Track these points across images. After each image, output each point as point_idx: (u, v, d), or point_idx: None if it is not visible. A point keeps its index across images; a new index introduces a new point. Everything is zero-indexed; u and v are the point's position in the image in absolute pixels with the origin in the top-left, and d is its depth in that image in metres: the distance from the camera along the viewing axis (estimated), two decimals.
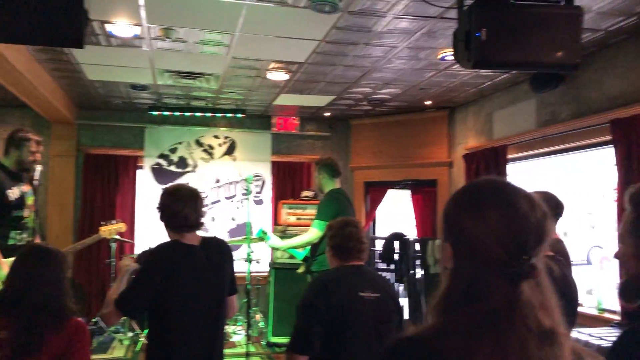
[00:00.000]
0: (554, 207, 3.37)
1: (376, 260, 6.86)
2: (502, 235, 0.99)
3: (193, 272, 2.59)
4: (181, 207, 2.61)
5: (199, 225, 2.68)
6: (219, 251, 2.75)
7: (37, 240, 4.43)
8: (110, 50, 4.97)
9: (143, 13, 4.07)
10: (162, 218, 2.65)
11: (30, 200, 4.14)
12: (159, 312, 2.54)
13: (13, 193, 4.02)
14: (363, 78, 5.81)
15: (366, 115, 7.90)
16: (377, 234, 8.15)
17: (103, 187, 7.55)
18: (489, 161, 6.12)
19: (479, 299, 0.98)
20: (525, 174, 6.19)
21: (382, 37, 4.50)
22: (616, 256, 1.67)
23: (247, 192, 4.99)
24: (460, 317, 0.98)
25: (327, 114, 7.91)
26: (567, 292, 2.48)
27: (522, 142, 5.77)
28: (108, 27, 4.35)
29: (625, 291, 1.68)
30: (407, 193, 8.09)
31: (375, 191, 8.19)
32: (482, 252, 1.00)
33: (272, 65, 5.40)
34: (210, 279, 2.63)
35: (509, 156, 5.95)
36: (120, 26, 4.34)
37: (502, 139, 6.08)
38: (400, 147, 7.78)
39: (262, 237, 5.12)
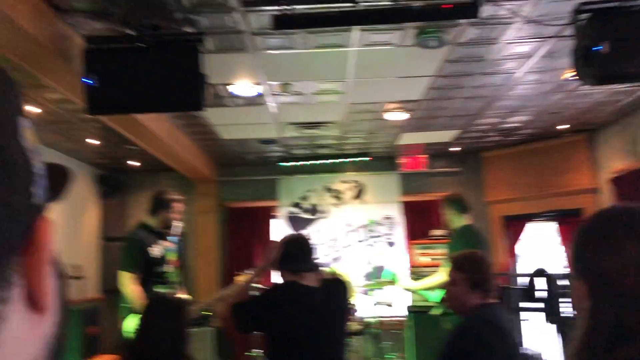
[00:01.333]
0: None
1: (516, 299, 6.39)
2: None
3: (307, 313, 2.62)
4: (299, 251, 2.70)
5: (314, 268, 2.73)
6: (338, 292, 2.77)
7: (182, 294, 4.76)
8: (238, 110, 5.33)
9: (261, 73, 4.32)
10: (282, 263, 2.74)
11: (172, 256, 4.47)
12: (276, 348, 2.60)
13: (155, 250, 4.37)
14: (486, 108, 5.60)
15: (498, 146, 7.56)
16: (519, 271, 7.63)
17: (243, 238, 7.97)
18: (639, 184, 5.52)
19: (627, 342, 0.88)
20: None
21: (498, 65, 4.33)
22: None
23: (368, 239, 4.93)
24: None
25: (455, 149, 7.70)
26: None
27: None
28: (232, 88, 4.67)
29: None
30: (551, 225, 7.51)
31: (515, 225, 7.72)
32: (624, 289, 0.90)
33: (389, 106, 5.41)
34: (325, 321, 2.64)
35: None
36: (243, 87, 4.65)
37: None
38: (538, 177, 7.31)
39: (393, 280, 5.02)
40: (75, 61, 3.34)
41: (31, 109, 4.91)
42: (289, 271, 2.72)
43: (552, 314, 5.71)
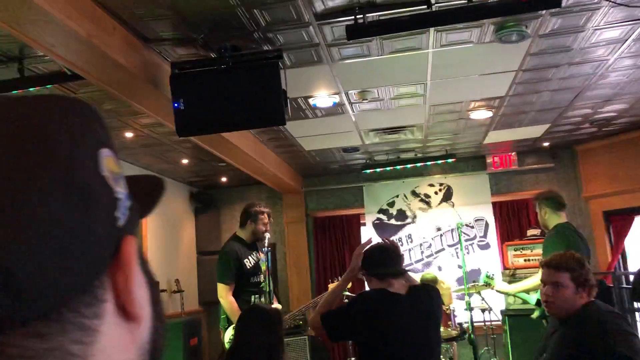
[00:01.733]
0: None
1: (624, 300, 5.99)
2: None
3: (396, 320, 2.59)
4: (385, 257, 2.70)
5: (402, 272, 2.71)
6: (428, 298, 2.72)
7: (275, 303, 4.88)
8: (318, 121, 5.40)
9: (338, 83, 4.36)
10: (369, 270, 2.74)
11: (264, 266, 4.60)
12: (367, 357, 2.60)
13: (249, 262, 4.52)
14: (577, 99, 5.31)
15: (593, 138, 7.14)
16: (628, 269, 7.14)
17: (332, 247, 8.03)
18: None
19: None
20: None
21: (586, 53, 4.11)
22: None
23: (459, 240, 4.80)
24: None
25: (546, 144, 7.35)
26: None
27: None
28: (311, 100, 4.74)
29: None
30: None
31: (619, 220, 7.25)
32: None
33: (473, 105, 5.27)
34: (416, 328, 2.60)
35: None
36: (322, 98, 4.71)
37: None
38: None
39: (488, 283, 4.87)
40: (164, 86, 3.53)
41: (127, 134, 5.24)
42: (376, 278, 2.71)
43: None
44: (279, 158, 6.89)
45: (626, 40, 3.91)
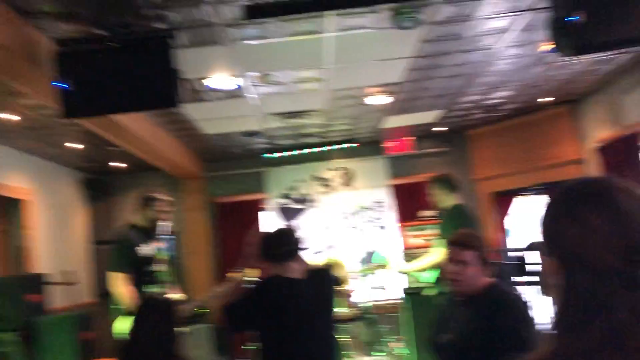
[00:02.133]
0: None
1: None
2: (610, 240, 0.90)
3: (296, 304, 2.59)
4: (280, 242, 2.68)
5: (295, 252, 2.71)
6: (322, 280, 2.74)
7: (176, 293, 4.73)
8: (218, 104, 5.27)
9: (238, 65, 4.27)
10: (265, 255, 2.71)
11: (162, 255, 4.44)
12: (268, 342, 2.59)
13: (145, 250, 4.34)
14: (468, 85, 5.58)
15: (483, 123, 7.56)
16: (509, 246, 7.67)
17: (235, 233, 7.92)
18: (623, 152, 5.54)
19: (600, 313, 0.88)
20: None
21: (476, 41, 4.31)
22: None
23: (360, 223, 4.91)
24: (583, 336, 0.88)
25: (441, 129, 7.68)
26: None
27: None
28: (209, 82, 4.61)
29: None
30: (540, 198, 7.54)
31: (504, 201, 7.75)
32: (592, 262, 0.90)
33: (371, 90, 5.38)
34: (314, 310, 2.62)
35: None
36: (221, 80, 4.59)
37: (635, 125, 5.48)
38: (525, 151, 7.31)
39: (383, 263, 5.03)
40: (48, 65, 3.27)
41: (8, 117, 4.83)
42: (272, 262, 2.69)
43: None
44: (177, 142, 6.67)
45: (511, 30, 4.14)
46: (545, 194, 7.34)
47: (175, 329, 2.35)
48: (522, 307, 2.39)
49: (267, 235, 2.75)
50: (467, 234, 2.60)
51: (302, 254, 2.74)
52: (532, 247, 6.08)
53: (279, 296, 2.60)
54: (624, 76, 5.71)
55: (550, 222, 0.99)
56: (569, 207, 0.96)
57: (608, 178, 0.98)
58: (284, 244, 2.68)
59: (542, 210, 1.02)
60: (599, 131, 6.32)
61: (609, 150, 5.86)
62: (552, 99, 6.52)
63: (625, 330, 0.85)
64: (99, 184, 7.64)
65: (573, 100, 6.74)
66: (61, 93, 3.08)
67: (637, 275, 0.87)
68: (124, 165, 7.41)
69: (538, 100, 6.53)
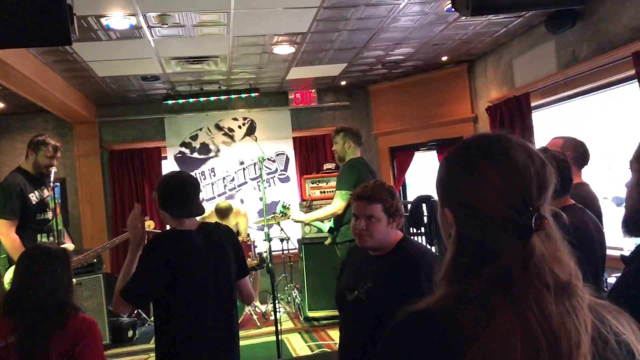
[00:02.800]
0: (581, 153, 3.21)
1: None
2: (503, 191, 0.93)
3: (192, 258, 2.54)
4: (179, 195, 2.58)
5: (198, 211, 2.64)
6: (218, 235, 2.69)
7: (67, 242, 4.52)
8: (113, 45, 4.96)
9: (134, 3, 4.01)
10: (162, 206, 2.62)
11: (52, 203, 4.21)
12: (163, 301, 2.51)
13: (35, 197, 4.10)
14: (372, 40, 5.63)
15: (384, 79, 7.72)
16: (407, 199, 8.03)
17: (131, 182, 7.64)
18: (513, 111, 5.90)
19: (490, 261, 0.92)
20: (551, 121, 5.94)
21: None
22: (625, 185, 1.64)
23: (260, 175, 4.90)
24: (473, 283, 0.92)
25: (343, 83, 7.76)
26: (585, 241, 2.32)
27: (545, 87, 5.52)
28: (104, 20, 4.31)
29: (628, 224, 1.59)
30: (434, 154, 7.91)
31: (402, 156, 8.04)
32: (485, 213, 0.94)
33: (276, 39, 5.28)
34: (210, 263, 2.58)
35: (533, 103, 5.71)
36: (116, 18, 4.30)
37: (524, 87, 5.83)
38: (423, 108, 7.58)
39: (284, 213, 5.07)
40: None
41: None
42: (170, 216, 2.62)
43: (432, 237, 6.12)
44: (68, 84, 6.23)
45: None
46: (440, 150, 7.70)
47: (69, 277, 2.24)
48: (434, 262, 2.23)
49: (166, 182, 2.64)
50: (372, 186, 2.39)
51: (200, 205, 2.67)
52: (422, 200, 6.41)
53: (175, 248, 2.52)
54: (515, 40, 6.03)
55: (446, 173, 1.02)
56: (466, 160, 0.99)
57: (504, 134, 1.01)
58: (182, 193, 2.58)
59: (440, 165, 1.05)
60: (491, 91, 6.67)
61: (497, 110, 6.21)
62: (449, 57, 6.75)
63: (513, 277, 0.89)
64: None
65: (469, 60, 7.03)
66: None
67: (527, 225, 0.91)
68: (9, 106, 6.83)
69: (438, 59, 6.74)
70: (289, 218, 5.33)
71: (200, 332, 2.50)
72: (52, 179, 4.12)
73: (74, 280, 3.92)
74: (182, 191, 2.59)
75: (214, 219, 6.16)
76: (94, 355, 2.15)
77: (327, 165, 7.04)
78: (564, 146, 3.17)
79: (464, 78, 7.21)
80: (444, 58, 6.76)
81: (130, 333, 6.15)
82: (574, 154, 3.14)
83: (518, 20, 5.39)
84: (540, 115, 5.87)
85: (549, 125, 5.89)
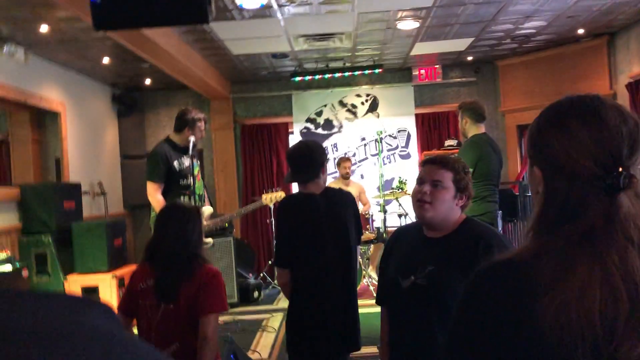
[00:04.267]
0: None
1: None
2: (593, 149, 0.95)
3: (313, 218, 2.74)
4: (301, 161, 2.79)
5: (318, 175, 2.82)
6: (339, 200, 2.86)
7: (207, 204, 4.97)
8: (246, 23, 5.29)
9: None
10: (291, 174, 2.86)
11: (196, 170, 4.65)
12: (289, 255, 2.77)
13: (179, 164, 4.56)
14: (499, 14, 5.46)
15: (514, 54, 7.41)
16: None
17: (260, 155, 8.11)
18: None
19: (576, 217, 0.95)
20: None
21: None
22: None
23: (378, 148, 4.98)
24: (557, 237, 0.95)
25: (470, 58, 7.57)
26: None
27: None
28: (237, 0, 4.62)
29: None
30: None
31: None
32: (574, 169, 0.96)
33: (400, 14, 5.31)
34: (331, 226, 2.76)
35: None
36: None
37: None
38: (555, 84, 7.18)
39: (400, 188, 5.15)
40: None
41: (42, 27, 4.94)
42: (298, 183, 2.85)
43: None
44: (205, 61, 6.73)
45: None
46: None
47: (200, 232, 2.52)
48: (506, 241, 2.06)
49: (291, 149, 2.88)
50: (446, 155, 2.35)
51: (324, 173, 2.86)
52: None
53: (297, 207, 2.75)
54: None
55: (537, 131, 1.05)
56: (557, 118, 1.01)
57: (598, 96, 1.02)
58: (304, 165, 2.80)
59: (532, 124, 1.08)
60: (634, 66, 6.16)
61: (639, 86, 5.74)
62: (586, 30, 6.33)
63: (597, 232, 0.91)
64: (129, 99, 7.81)
65: (610, 33, 6.54)
66: (91, 4, 3.16)
67: (616, 183, 0.92)
68: (154, 82, 7.54)
69: (574, 32, 6.35)
70: (405, 193, 5.39)
71: (322, 291, 2.71)
72: (191, 147, 4.52)
73: (208, 240, 4.34)
74: (303, 156, 2.80)
75: None
76: (216, 300, 2.42)
77: (448, 142, 6.96)
78: None
79: (603, 52, 6.72)
80: (580, 31, 6.35)
81: (256, 294, 6.61)
82: None
83: None
84: None
85: None
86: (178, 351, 2.38)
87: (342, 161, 6.83)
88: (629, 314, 0.86)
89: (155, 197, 4.40)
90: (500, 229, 5.96)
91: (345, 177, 6.75)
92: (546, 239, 0.96)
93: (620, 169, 0.94)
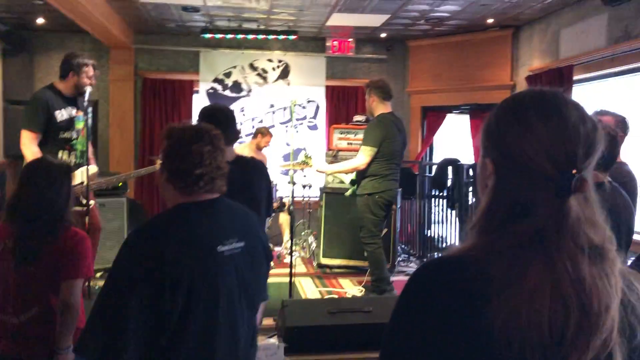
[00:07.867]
0: (622, 129, 3.12)
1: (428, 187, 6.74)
2: (550, 148, 0.91)
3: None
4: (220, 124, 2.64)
5: (232, 142, 2.68)
6: (253, 169, 2.74)
7: (92, 163, 4.60)
8: None
9: None
10: None
11: (79, 125, 4.25)
12: None
13: (61, 114, 4.15)
14: None
15: (425, 35, 7.54)
16: (432, 160, 7.97)
17: (161, 111, 7.71)
18: (554, 83, 5.73)
19: (525, 216, 0.91)
20: (592, 97, 5.77)
21: None
22: None
23: (291, 118, 4.89)
24: (505, 236, 0.90)
25: (383, 35, 7.60)
26: (616, 217, 2.28)
27: (591, 62, 5.35)
28: None
29: None
30: (467, 118, 7.78)
31: (433, 116, 7.94)
32: (528, 166, 0.92)
33: None
34: (242, 197, 2.63)
35: (576, 77, 5.55)
36: None
37: (568, 59, 5.65)
38: (461, 70, 7.42)
39: (305, 162, 5.09)
40: None
41: None
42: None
43: (454, 201, 6.09)
44: (108, 5, 6.20)
45: None
46: (473, 114, 7.57)
47: (67, 194, 2.31)
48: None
49: (216, 111, 2.69)
50: None
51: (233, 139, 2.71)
52: (448, 162, 6.36)
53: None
54: (566, 9, 5.81)
55: (494, 122, 1.00)
56: (517, 111, 0.97)
57: (558, 91, 0.99)
58: (230, 123, 2.63)
59: (489, 115, 1.02)
60: (534, 60, 6.48)
61: (539, 80, 6.05)
62: (495, 21, 6.55)
63: (547, 236, 0.88)
64: (17, 38, 7.06)
65: (515, 26, 6.82)
66: None
67: (568, 185, 0.89)
68: (48, 22, 6.86)
69: (484, 21, 6.55)
70: (309, 167, 5.36)
71: None
72: (86, 99, 4.14)
73: (90, 201, 4.02)
74: (226, 119, 2.65)
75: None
76: (80, 265, 2.26)
77: (357, 117, 6.98)
78: (616, 125, 3.07)
79: (508, 44, 7.01)
80: (490, 20, 6.57)
81: None
82: (623, 133, 3.06)
83: None
84: (580, 89, 5.72)
85: (587, 100, 5.73)
86: (38, 316, 2.23)
87: (265, 134, 6.61)
88: (578, 323, 0.83)
89: (31, 147, 3.97)
90: (398, 206, 6.12)
91: (259, 148, 6.60)
92: (494, 236, 0.92)
93: (574, 171, 0.90)
